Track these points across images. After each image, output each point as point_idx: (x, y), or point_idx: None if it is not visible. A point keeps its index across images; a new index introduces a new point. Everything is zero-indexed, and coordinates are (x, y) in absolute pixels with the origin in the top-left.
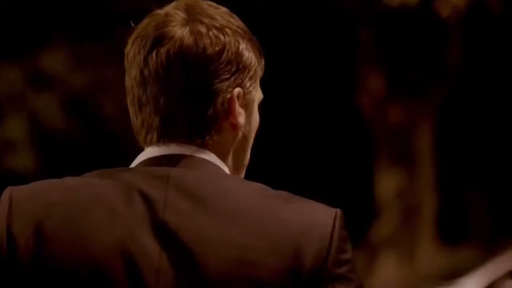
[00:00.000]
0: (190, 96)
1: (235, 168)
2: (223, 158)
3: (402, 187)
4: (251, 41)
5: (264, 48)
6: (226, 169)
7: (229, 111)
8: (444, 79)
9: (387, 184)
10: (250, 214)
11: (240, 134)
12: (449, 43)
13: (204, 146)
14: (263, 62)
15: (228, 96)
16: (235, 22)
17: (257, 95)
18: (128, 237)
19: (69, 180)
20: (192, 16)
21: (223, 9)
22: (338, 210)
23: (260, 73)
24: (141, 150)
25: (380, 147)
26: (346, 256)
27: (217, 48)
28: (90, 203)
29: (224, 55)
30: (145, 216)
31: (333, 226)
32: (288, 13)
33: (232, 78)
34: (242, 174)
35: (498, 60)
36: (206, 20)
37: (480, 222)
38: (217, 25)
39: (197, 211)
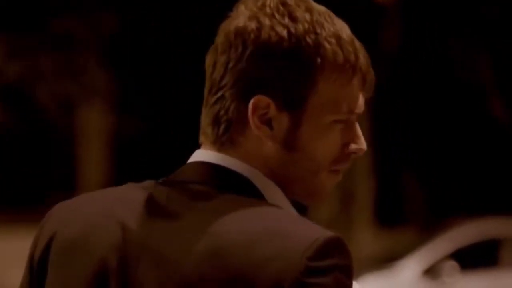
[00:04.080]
0: (216, 93)
1: (291, 190)
2: (256, 166)
3: None
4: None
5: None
6: (259, 176)
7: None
8: (379, 63)
9: None
10: (220, 242)
11: (271, 145)
12: (384, 27)
13: (227, 151)
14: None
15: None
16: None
17: (315, 108)
18: (108, 257)
19: (98, 192)
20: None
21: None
22: (321, 238)
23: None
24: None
25: None
26: None
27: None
28: (94, 221)
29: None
30: (128, 234)
31: (301, 257)
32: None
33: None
34: (299, 178)
35: (434, 44)
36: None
37: (416, 205)
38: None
39: (170, 235)
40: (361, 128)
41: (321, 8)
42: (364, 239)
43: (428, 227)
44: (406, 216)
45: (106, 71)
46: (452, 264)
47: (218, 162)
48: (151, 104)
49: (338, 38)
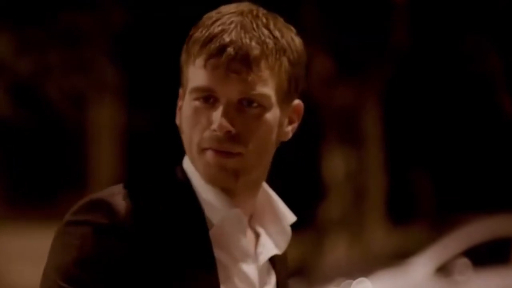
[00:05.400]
0: None
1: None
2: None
3: (350, 168)
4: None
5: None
6: (188, 162)
7: None
8: (390, 60)
9: (336, 165)
10: None
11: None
12: (395, 24)
13: None
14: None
15: None
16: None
17: (185, 93)
18: None
19: None
20: None
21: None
22: (88, 198)
23: (186, 77)
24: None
25: (328, 128)
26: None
27: None
28: None
29: None
30: None
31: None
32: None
33: None
34: (190, 157)
35: (443, 41)
36: None
37: (428, 203)
38: None
39: None
40: (373, 126)
41: (242, 5)
42: (376, 236)
43: (440, 225)
44: (418, 214)
45: (117, 66)
46: (464, 261)
47: None
48: (162, 99)
49: (204, 25)
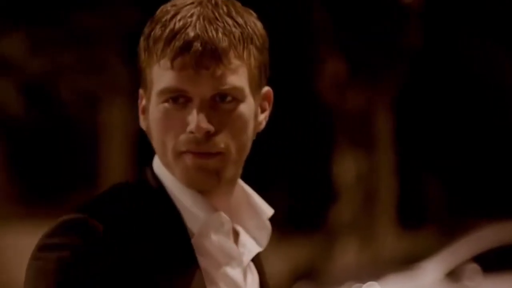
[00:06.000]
0: None
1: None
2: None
3: (361, 171)
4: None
5: None
6: (160, 165)
7: None
8: (402, 63)
9: (347, 168)
10: None
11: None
12: (407, 27)
13: None
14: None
15: None
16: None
17: (151, 93)
18: None
19: None
20: None
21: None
22: (62, 218)
23: (146, 77)
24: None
25: (339, 131)
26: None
27: None
28: None
29: None
30: None
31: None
32: None
33: None
34: (165, 162)
35: (456, 45)
36: None
37: (438, 207)
38: None
39: None
40: (384, 129)
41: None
42: (386, 240)
43: (450, 230)
44: (428, 218)
45: (129, 66)
46: (474, 267)
47: None
48: None
49: (162, 21)
